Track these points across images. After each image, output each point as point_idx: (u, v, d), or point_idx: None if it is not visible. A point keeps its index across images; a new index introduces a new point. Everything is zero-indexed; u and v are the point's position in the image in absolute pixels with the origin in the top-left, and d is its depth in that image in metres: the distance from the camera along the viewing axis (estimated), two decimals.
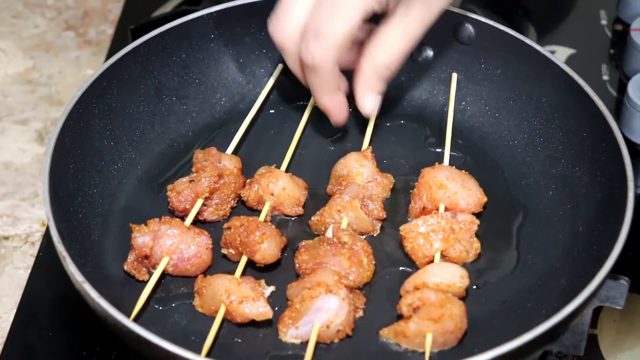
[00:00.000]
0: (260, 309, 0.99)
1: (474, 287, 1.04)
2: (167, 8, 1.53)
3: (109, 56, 1.36)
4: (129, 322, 0.92)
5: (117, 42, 1.51)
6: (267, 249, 1.04)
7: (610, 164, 1.06)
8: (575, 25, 1.55)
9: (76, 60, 1.52)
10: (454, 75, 1.22)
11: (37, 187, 1.32)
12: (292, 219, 1.12)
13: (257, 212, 1.11)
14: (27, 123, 1.42)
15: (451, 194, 1.09)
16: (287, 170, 1.15)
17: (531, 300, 1.03)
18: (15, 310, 1.15)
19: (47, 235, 1.23)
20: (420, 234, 1.06)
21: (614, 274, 0.98)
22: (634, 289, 1.05)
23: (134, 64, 1.18)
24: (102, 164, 1.14)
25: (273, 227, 1.07)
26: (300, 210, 1.12)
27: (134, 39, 1.20)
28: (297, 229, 1.11)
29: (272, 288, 1.04)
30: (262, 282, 1.04)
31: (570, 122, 1.14)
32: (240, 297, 0.99)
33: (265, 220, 1.08)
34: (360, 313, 1.02)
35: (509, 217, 1.12)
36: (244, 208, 1.13)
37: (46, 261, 1.19)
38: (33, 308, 1.14)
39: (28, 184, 1.33)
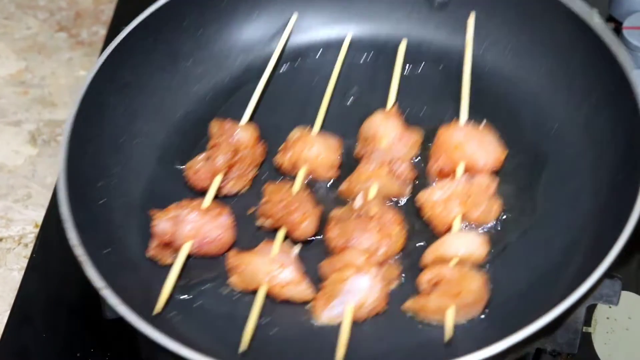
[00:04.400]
0: (302, 291, 0.99)
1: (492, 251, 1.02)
2: None
3: None
4: (151, 331, 0.90)
5: (109, 43, 1.50)
6: (309, 225, 1.03)
7: (628, 116, 1.02)
8: None
9: (69, 62, 1.52)
10: (472, 15, 1.19)
11: (30, 189, 1.32)
12: (326, 183, 1.10)
13: (286, 176, 1.10)
14: (20, 125, 1.42)
15: (469, 153, 1.06)
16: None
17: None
18: (8, 312, 1.15)
19: (40, 237, 1.22)
20: (437, 201, 1.03)
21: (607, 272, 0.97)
22: (627, 287, 1.05)
23: (146, 35, 1.17)
24: (120, 141, 1.11)
25: (312, 202, 1.05)
26: (335, 173, 1.10)
27: None
28: (327, 195, 1.09)
29: (299, 246, 1.03)
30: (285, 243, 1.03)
31: (590, 71, 1.10)
32: (283, 281, 0.99)
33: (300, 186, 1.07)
34: (396, 283, 1.00)
35: (531, 170, 1.08)
36: (269, 172, 1.11)
37: (40, 263, 1.19)
38: (27, 310, 1.14)
39: (21, 185, 1.33)
